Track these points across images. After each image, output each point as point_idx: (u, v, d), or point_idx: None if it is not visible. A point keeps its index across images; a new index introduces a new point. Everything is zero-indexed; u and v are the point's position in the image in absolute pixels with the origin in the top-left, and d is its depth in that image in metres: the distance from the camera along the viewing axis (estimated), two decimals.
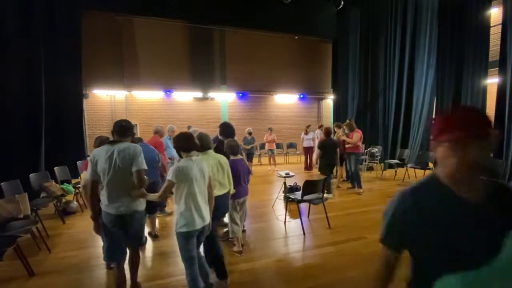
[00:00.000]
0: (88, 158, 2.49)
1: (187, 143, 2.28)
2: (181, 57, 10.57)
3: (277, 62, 11.80)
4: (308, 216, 4.55)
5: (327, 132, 5.83)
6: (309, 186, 3.94)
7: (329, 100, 12.74)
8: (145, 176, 2.34)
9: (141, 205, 2.45)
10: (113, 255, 2.38)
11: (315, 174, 7.53)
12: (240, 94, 11.44)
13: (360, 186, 6.10)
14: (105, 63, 9.61)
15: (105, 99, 9.98)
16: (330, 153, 5.52)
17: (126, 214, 2.32)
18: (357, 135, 6.05)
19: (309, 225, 4.24)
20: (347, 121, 6.82)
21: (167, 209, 4.75)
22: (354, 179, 6.25)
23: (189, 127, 7.18)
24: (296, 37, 11.88)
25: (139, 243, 2.62)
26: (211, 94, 11.03)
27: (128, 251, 2.51)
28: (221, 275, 2.71)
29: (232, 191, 2.99)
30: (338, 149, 5.76)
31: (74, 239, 3.85)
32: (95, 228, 2.33)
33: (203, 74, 10.78)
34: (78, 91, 8.29)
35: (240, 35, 11.12)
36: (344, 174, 7.13)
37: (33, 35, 5.75)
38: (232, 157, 3.22)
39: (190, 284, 2.24)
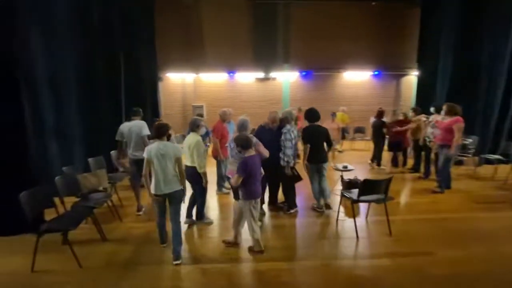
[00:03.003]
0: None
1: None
2: (244, 37, 10.45)
3: (348, 35, 10.46)
4: (366, 217, 4.02)
5: (379, 114, 5.49)
6: (369, 186, 3.41)
7: (412, 77, 10.78)
8: None
9: None
10: None
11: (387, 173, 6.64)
12: (304, 73, 10.75)
13: (445, 187, 5.00)
14: (176, 47, 10.31)
15: (177, 82, 10.85)
16: (317, 147, 4.01)
17: None
18: (459, 125, 4.63)
19: (365, 228, 3.75)
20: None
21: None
22: (439, 177, 5.09)
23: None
24: (374, 3, 10.17)
25: None
26: (273, 74, 10.72)
27: None
28: None
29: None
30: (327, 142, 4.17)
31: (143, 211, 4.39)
32: None
33: (265, 53, 10.48)
34: (154, 75, 9.24)
35: (306, 7, 10.19)
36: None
37: (115, 26, 6.49)
38: (245, 153, 2.94)
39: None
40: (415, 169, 6.41)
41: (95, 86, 5.83)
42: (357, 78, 11.01)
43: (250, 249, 3.15)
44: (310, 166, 4.06)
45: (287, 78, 10.86)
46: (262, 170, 3.24)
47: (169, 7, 9.83)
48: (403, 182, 5.88)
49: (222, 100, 10.62)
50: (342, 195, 3.84)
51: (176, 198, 3.01)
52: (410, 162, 6.68)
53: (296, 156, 4.07)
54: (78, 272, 2.86)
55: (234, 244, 3.24)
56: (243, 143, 2.93)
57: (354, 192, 3.58)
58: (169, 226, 3.10)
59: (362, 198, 3.42)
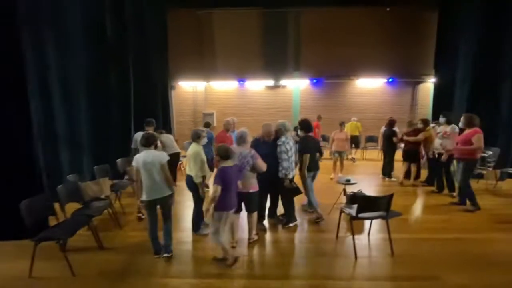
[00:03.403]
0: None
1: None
2: (254, 45, 10.53)
3: (360, 42, 10.24)
4: (368, 234, 3.81)
5: (390, 123, 5.68)
6: (368, 203, 3.23)
7: (429, 84, 10.32)
8: None
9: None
10: None
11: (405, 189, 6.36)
12: (314, 81, 10.60)
13: (473, 204, 4.60)
14: (188, 56, 10.56)
15: (188, 90, 11.07)
16: (313, 156, 4.08)
17: None
18: (479, 136, 4.36)
19: (366, 247, 3.55)
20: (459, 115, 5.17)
21: None
22: (464, 194, 4.72)
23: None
24: (388, 9, 9.91)
25: None
26: (283, 81, 10.67)
27: None
28: None
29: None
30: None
31: (143, 219, 4.43)
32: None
33: (275, 61, 10.48)
34: (166, 83, 9.48)
35: (317, 14, 10.11)
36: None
37: (127, 35, 6.73)
38: (223, 163, 2.97)
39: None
40: (429, 182, 6.05)
41: (105, 94, 6.05)
42: (370, 86, 10.71)
43: (214, 258, 3.18)
44: (308, 174, 4.06)
45: (297, 86, 10.76)
46: (239, 184, 3.20)
47: (182, 17, 10.12)
48: (414, 196, 5.57)
49: (232, 108, 10.70)
50: (342, 211, 3.66)
51: (165, 202, 3.21)
52: (424, 174, 6.32)
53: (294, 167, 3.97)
54: (71, 280, 2.90)
55: (224, 260, 3.16)
56: (222, 154, 2.97)
57: (355, 208, 3.40)
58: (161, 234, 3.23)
59: (362, 215, 3.24)
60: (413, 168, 6.33)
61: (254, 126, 5.43)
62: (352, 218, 3.31)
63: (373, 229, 3.86)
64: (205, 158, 3.69)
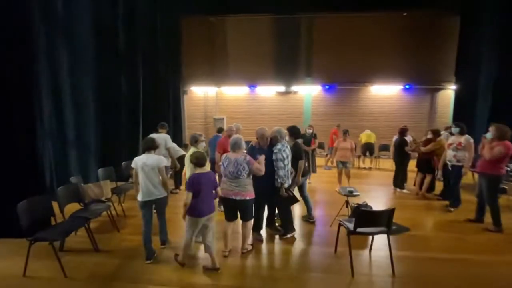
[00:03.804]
0: None
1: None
2: (265, 51, 10.51)
3: (375, 48, 9.92)
4: (370, 250, 3.58)
5: (402, 131, 5.62)
6: (366, 218, 3.03)
7: (450, 91, 9.78)
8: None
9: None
10: None
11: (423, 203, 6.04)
12: (327, 87, 10.38)
13: (496, 224, 4.15)
14: (200, 61, 10.73)
15: (200, 95, 11.22)
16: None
17: None
18: (499, 149, 3.92)
19: (366, 264, 3.32)
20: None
21: None
22: (493, 215, 4.22)
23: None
24: (405, 14, 9.55)
25: None
26: (294, 87, 10.54)
27: None
28: None
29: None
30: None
31: (139, 223, 4.46)
32: None
33: (287, 67, 10.40)
34: (178, 88, 9.67)
35: (331, 19, 9.93)
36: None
37: (138, 43, 6.95)
38: (196, 170, 3.03)
39: None
40: (443, 196, 5.65)
41: (115, 99, 6.25)
42: (385, 92, 10.31)
43: (175, 257, 3.25)
44: (302, 179, 4.14)
45: (309, 92, 10.58)
46: (219, 191, 3.20)
47: (195, 24, 10.32)
48: (425, 211, 5.20)
49: (242, 113, 10.70)
50: (340, 224, 3.47)
51: (160, 203, 3.41)
52: (440, 186, 5.92)
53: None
54: (61, 281, 2.94)
55: (213, 269, 3.07)
56: (194, 161, 3.05)
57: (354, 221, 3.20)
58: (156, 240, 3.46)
59: (360, 229, 3.04)
60: (427, 179, 5.96)
61: None
62: (349, 233, 3.12)
63: (376, 245, 3.62)
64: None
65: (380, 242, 3.64)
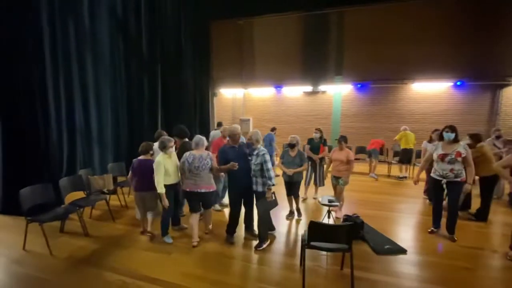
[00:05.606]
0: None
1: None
2: (292, 51, 10.20)
3: (417, 39, 8.62)
4: (341, 268, 3.16)
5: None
6: (320, 231, 2.69)
7: None
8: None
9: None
10: None
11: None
12: (359, 85, 9.51)
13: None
14: (228, 64, 11.04)
15: (228, 97, 11.55)
16: None
17: None
18: None
19: (323, 280, 2.95)
20: None
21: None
22: None
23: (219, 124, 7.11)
24: None
25: None
26: (322, 87, 9.97)
27: None
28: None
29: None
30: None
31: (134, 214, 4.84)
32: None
33: (315, 66, 9.90)
34: (207, 91, 10.14)
35: (363, 12, 9.05)
36: None
37: (157, 46, 7.53)
38: (142, 157, 3.92)
39: None
40: (479, 216, 4.61)
41: (135, 97, 6.90)
42: (430, 90, 8.91)
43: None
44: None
45: (338, 91, 9.87)
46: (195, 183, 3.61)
47: (224, 27, 10.67)
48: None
49: (269, 114, 10.62)
50: (302, 236, 3.15)
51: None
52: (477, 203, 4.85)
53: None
54: (47, 257, 3.43)
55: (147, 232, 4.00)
56: (141, 149, 3.94)
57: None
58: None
59: (313, 244, 2.72)
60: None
61: (292, 132, 5.19)
62: (303, 246, 2.83)
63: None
64: (171, 168, 3.69)
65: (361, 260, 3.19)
